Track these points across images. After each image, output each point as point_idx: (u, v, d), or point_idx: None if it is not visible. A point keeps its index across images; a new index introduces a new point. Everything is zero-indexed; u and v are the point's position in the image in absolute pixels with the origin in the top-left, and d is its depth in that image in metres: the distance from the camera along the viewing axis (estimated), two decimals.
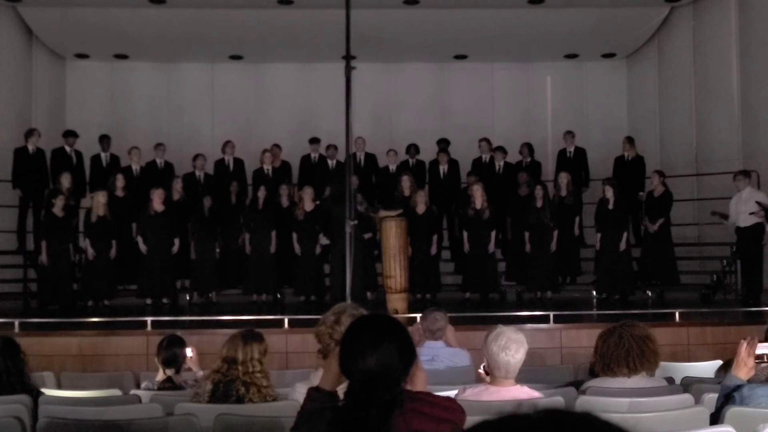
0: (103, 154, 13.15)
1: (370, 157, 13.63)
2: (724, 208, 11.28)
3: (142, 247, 11.29)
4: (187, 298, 11.87)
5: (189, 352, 5.68)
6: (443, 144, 13.90)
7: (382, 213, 10.83)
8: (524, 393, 4.08)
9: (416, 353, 2.71)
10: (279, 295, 11.91)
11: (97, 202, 11.21)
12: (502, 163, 13.25)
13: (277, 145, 13.52)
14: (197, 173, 12.93)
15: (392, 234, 10.39)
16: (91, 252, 11.12)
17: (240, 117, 15.06)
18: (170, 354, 5.57)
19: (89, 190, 12.67)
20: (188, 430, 3.87)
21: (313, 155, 13.62)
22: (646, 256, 11.97)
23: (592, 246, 11.80)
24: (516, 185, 12.52)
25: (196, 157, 13.02)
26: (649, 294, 11.73)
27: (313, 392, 2.78)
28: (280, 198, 12.14)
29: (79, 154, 13.03)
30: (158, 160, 13.17)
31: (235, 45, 14.59)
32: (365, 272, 10.89)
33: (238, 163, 13.41)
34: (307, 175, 13.27)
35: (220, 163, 13.36)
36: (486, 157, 13.40)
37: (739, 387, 3.95)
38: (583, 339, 8.22)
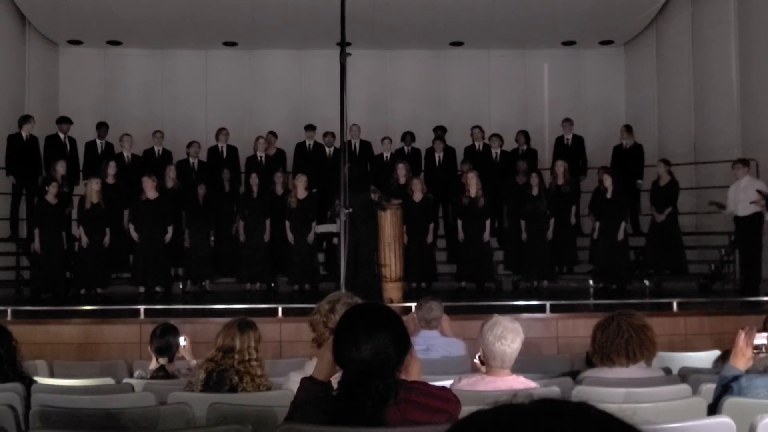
0: (98, 141, 13.07)
1: (366, 145, 13.55)
2: (722, 197, 11.22)
3: (134, 235, 11.19)
4: (181, 286, 11.81)
5: (182, 340, 5.64)
6: (440, 132, 13.79)
7: (394, 202, 10.66)
8: (520, 383, 4.05)
9: (411, 343, 2.69)
10: (273, 284, 11.84)
11: (91, 189, 11.11)
12: (498, 151, 13.18)
13: (272, 133, 13.42)
14: (191, 160, 12.86)
15: (388, 222, 10.31)
16: (84, 240, 11.04)
17: (234, 104, 14.94)
18: (163, 343, 5.53)
19: (83, 178, 12.59)
20: (181, 419, 3.83)
21: (308, 142, 13.53)
22: (651, 245, 11.83)
23: (589, 235, 11.74)
24: (512, 173, 12.44)
25: (190, 144, 12.95)
26: (647, 283, 11.68)
27: (307, 382, 2.76)
28: (274, 186, 12.05)
29: (72, 140, 12.94)
30: (156, 148, 13.08)
31: (229, 31, 14.46)
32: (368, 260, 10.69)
33: (232, 150, 13.29)
34: (303, 162, 13.18)
35: (213, 151, 13.27)
36: (479, 144, 13.32)
37: (737, 377, 3.92)
38: (580, 329, 8.16)
